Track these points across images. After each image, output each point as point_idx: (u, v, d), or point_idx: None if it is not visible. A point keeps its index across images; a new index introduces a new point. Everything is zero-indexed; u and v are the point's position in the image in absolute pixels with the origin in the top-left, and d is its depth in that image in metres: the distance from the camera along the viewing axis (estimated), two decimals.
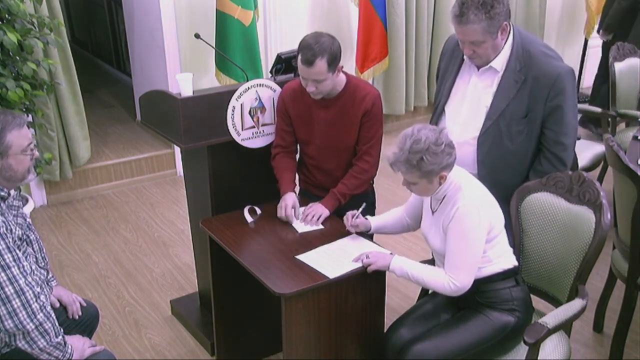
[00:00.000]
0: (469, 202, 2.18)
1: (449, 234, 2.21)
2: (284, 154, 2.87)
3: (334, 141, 2.77)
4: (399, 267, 2.28)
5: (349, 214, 2.54)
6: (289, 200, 2.72)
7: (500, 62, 2.48)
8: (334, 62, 2.56)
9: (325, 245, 2.49)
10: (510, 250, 2.36)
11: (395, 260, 2.30)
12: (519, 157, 2.54)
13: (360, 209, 2.53)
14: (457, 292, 2.21)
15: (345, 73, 2.74)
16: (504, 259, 2.31)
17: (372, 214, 2.82)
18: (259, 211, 2.73)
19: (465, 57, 2.53)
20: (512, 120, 2.48)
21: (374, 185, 2.96)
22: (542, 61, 2.44)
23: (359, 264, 2.34)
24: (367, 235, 2.58)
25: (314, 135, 2.79)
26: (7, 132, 2.10)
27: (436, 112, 2.68)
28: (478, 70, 2.53)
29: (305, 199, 2.89)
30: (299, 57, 2.56)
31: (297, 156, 2.96)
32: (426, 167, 2.15)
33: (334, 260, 2.38)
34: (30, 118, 3.98)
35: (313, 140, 2.80)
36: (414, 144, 2.14)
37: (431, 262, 2.45)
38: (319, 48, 2.52)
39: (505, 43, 2.46)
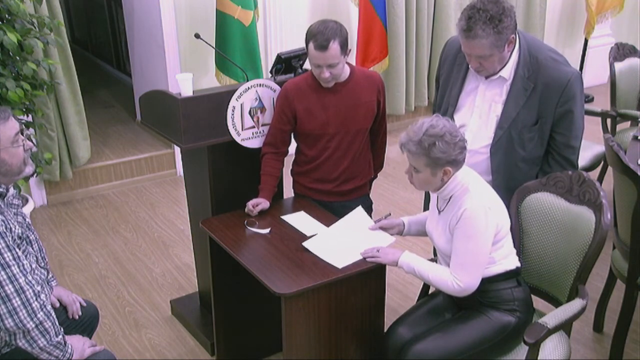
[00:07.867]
0: (476, 205, 2.18)
1: (455, 234, 2.21)
2: (273, 155, 2.83)
3: (349, 124, 2.77)
4: (407, 262, 2.31)
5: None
6: (263, 203, 2.75)
7: (508, 71, 2.46)
8: (345, 44, 2.62)
9: (330, 228, 2.50)
10: (514, 251, 2.36)
11: (404, 256, 2.32)
12: (531, 162, 2.54)
13: (385, 216, 2.57)
14: (461, 292, 2.21)
15: (347, 62, 2.76)
16: (508, 260, 2.31)
17: (370, 216, 2.81)
18: (256, 224, 2.71)
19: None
20: (524, 128, 2.47)
21: (373, 186, 2.96)
22: (550, 67, 2.43)
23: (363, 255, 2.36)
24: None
25: (327, 124, 2.76)
26: None
27: None
28: (486, 78, 2.52)
29: (299, 199, 2.90)
30: (311, 45, 2.58)
31: (295, 158, 2.94)
32: (435, 154, 2.15)
33: (340, 248, 2.39)
34: (30, 118, 3.98)
35: (327, 130, 2.77)
36: (430, 128, 2.15)
37: (432, 262, 2.45)
38: (330, 32, 2.57)
39: (511, 53, 2.44)
